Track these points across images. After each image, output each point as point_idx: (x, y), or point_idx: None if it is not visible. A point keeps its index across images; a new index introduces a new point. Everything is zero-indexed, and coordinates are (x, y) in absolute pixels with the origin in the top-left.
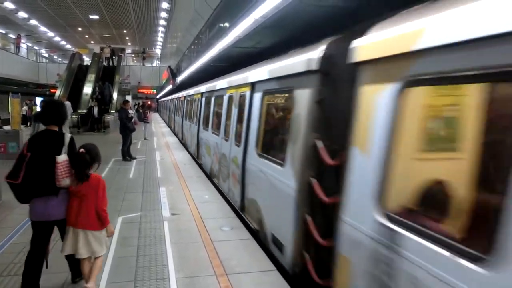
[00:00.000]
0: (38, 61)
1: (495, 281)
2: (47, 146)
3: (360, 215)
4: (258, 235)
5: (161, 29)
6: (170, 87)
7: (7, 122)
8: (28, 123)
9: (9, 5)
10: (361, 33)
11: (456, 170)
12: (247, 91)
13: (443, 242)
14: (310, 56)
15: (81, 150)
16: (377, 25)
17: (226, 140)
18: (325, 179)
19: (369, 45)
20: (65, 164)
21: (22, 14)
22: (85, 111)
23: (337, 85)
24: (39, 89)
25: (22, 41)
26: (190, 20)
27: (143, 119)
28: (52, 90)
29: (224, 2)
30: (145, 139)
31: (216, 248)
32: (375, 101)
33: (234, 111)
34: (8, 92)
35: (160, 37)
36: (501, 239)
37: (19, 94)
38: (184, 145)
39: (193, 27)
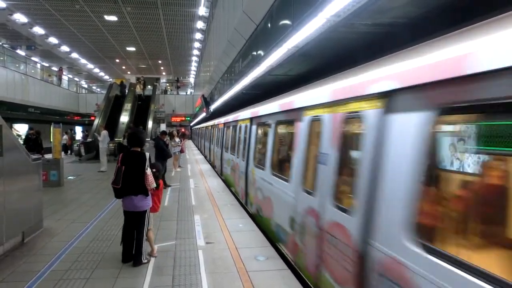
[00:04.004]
0: (78, 92)
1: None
2: (136, 161)
3: None
4: None
5: (194, 58)
6: (203, 114)
7: (49, 150)
8: (69, 151)
9: (54, 40)
10: None
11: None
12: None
13: None
14: None
15: (153, 170)
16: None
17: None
18: None
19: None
20: (151, 175)
21: (64, 48)
22: (121, 139)
23: None
24: (79, 118)
25: (64, 73)
26: (223, 50)
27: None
28: (92, 118)
29: (256, 32)
30: (179, 166)
31: (251, 278)
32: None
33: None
34: (51, 122)
35: (193, 66)
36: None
37: (60, 123)
38: (218, 173)
39: (226, 57)
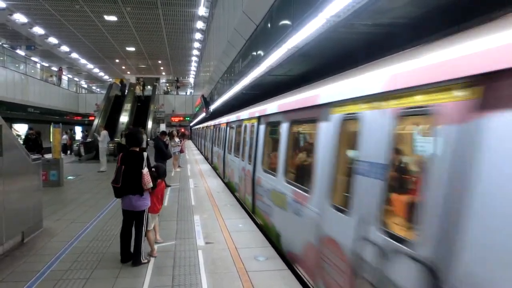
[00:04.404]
0: (78, 92)
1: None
2: (133, 161)
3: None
4: None
5: (194, 58)
6: (202, 115)
7: (48, 150)
8: (69, 152)
9: (54, 40)
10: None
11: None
12: None
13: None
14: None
15: (153, 168)
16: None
17: None
18: None
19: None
20: (147, 174)
21: (64, 48)
22: (118, 139)
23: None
24: (79, 118)
25: (64, 73)
26: (223, 50)
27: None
28: (90, 118)
29: (256, 33)
30: (179, 166)
31: (251, 278)
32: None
33: None
34: (50, 122)
35: (193, 66)
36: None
37: (60, 124)
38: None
39: (225, 57)
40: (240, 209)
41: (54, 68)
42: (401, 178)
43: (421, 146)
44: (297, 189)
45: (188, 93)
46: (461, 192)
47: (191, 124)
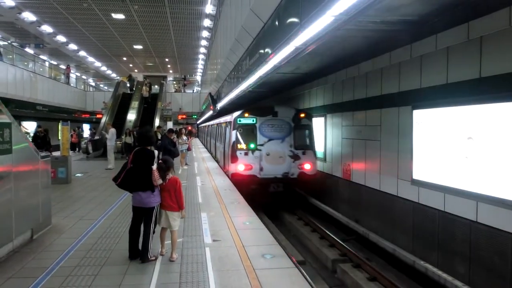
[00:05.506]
0: (86, 90)
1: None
2: (144, 158)
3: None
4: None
5: (201, 56)
6: (209, 113)
7: (57, 148)
8: (77, 149)
9: (62, 39)
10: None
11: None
12: None
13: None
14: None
15: (160, 161)
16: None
17: None
18: None
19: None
20: (157, 171)
21: (72, 46)
22: (123, 137)
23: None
24: (86, 116)
25: (72, 71)
26: (230, 48)
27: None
28: (98, 115)
29: (264, 30)
30: (186, 164)
31: (259, 276)
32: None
33: None
34: (59, 120)
35: (200, 64)
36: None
37: (69, 121)
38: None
39: (232, 55)
40: (247, 207)
41: (62, 66)
42: (222, 137)
43: (224, 131)
44: (218, 143)
45: (195, 91)
46: (222, 138)
47: (198, 122)
